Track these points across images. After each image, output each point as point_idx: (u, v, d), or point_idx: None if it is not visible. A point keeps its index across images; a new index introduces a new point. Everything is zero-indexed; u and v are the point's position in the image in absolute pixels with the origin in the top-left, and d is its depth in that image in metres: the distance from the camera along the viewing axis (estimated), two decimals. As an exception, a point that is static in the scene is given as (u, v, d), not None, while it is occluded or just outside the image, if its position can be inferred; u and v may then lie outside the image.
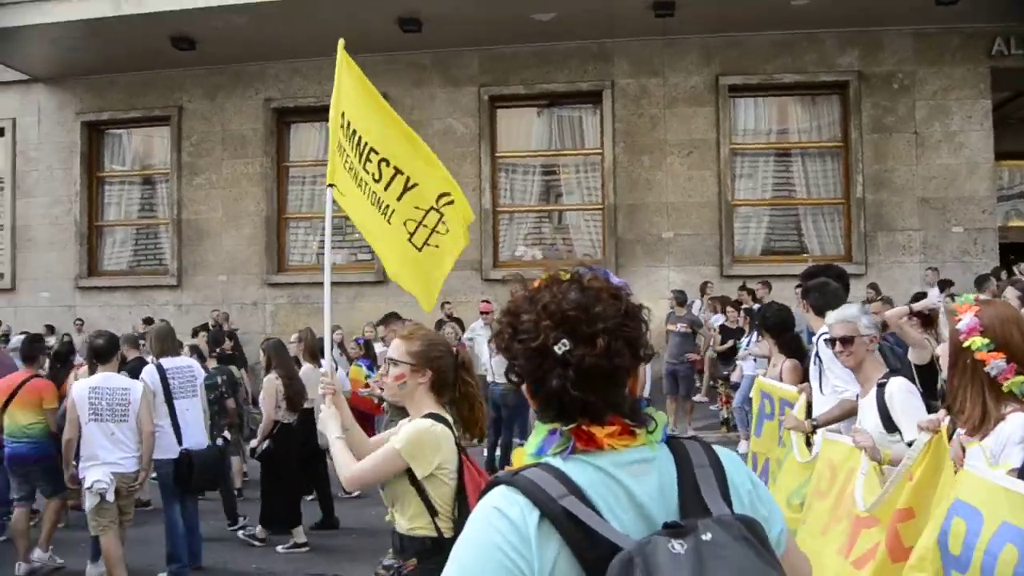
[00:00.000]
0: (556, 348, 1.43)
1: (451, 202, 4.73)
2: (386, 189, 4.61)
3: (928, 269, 13.10)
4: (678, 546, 1.27)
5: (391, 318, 7.44)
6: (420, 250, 4.76)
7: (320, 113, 15.39)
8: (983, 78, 13.70)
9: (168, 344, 7.01)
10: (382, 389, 7.01)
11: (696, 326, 11.07)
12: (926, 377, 5.74)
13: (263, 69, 15.35)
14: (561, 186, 15.14)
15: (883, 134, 13.85)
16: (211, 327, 14.18)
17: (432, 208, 4.72)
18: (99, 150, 16.74)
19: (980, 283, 9.10)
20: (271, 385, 7.30)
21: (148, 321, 14.77)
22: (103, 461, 5.90)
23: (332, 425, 3.27)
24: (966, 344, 2.84)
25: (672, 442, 1.50)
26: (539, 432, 1.50)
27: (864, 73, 13.86)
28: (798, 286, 5.45)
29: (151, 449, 6.20)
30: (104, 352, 6.17)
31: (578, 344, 1.43)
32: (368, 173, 4.53)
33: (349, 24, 13.35)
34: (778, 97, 14.53)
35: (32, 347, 7.36)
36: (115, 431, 5.96)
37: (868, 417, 3.89)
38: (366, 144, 4.53)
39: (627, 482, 1.41)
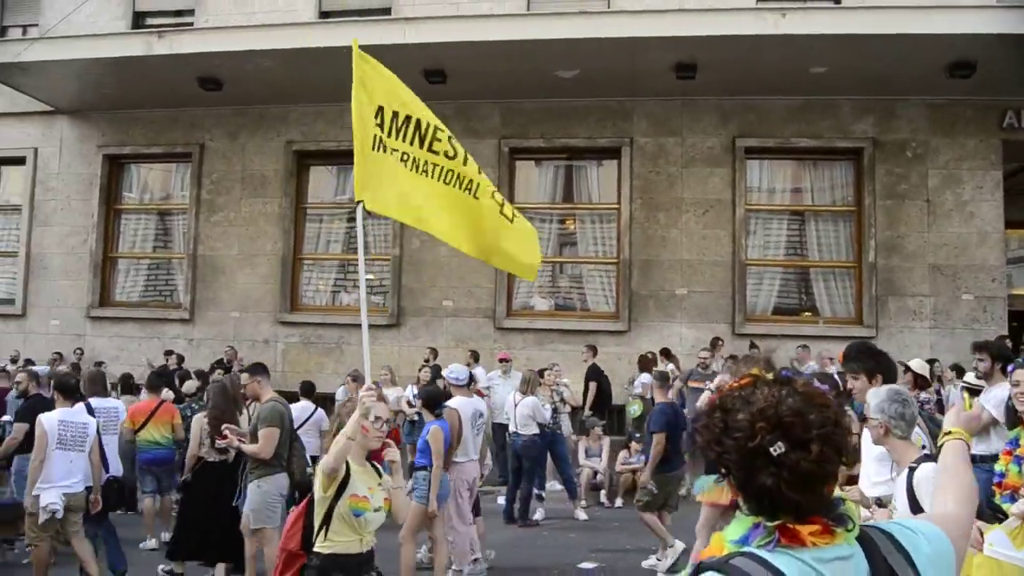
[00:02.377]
0: (772, 450, 1.52)
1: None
2: (465, 164, 4.48)
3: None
4: None
5: (257, 369, 7.46)
6: (512, 221, 4.67)
7: (340, 157, 15.62)
8: (995, 149, 13.95)
9: (98, 387, 8.23)
10: (241, 440, 7.01)
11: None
12: None
13: (286, 111, 15.56)
14: (577, 239, 15.29)
15: (896, 200, 14.07)
16: (225, 363, 14.31)
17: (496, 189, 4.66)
18: (118, 183, 16.91)
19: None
20: (197, 424, 7.68)
21: (168, 354, 14.82)
22: (57, 484, 6.72)
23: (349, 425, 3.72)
24: None
25: (860, 533, 1.60)
26: (742, 523, 1.59)
27: (878, 140, 14.10)
28: (847, 357, 5.54)
29: (99, 477, 7.22)
30: (73, 389, 7.19)
31: (793, 448, 1.53)
32: (438, 154, 4.35)
33: (375, 72, 13.69)
34: (793, 160, 14.75)
35: (158, 379, 9.60)
36: (73, 459, 6.82)
37: (899, 498, 3.96)
38: (429, 124, 4.36)
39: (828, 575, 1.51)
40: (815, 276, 14.63)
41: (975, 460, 6.23)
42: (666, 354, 13.35)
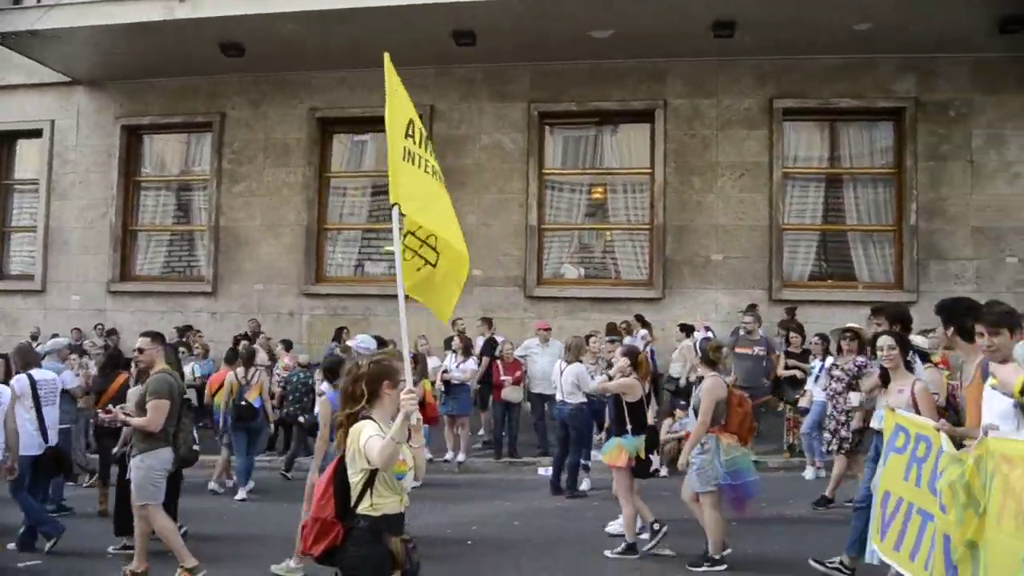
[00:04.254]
0: None
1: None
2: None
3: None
4: None
5: (158, 337, 7.07)
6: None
7: (365, 124, 15.31)
8: (1042, 108, 13.54)
9: (31, 359, 8.17)
10: (127, 415, 6.76)
11: (771, 350, 10.78)
12: (637, 412, 7.19)
13: (308, 78, 15.19)
14: (608, 205, 14.91)
15: (938, 162, 13.66)
16: (248, 336, 14.00)
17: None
18: (137, 155, 16.57)
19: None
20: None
21: (183, 329, 14.57)
22: None
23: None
24: None
25: None
26: None
27: (921, 100, 13.68)
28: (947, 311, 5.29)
29: (17, 444, 7.07)
30: None
31: None
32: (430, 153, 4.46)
33: (401, 35, 13.32)
34: (832, 121, 14.33)
35: (233, 354, 10.49)
36: None
37: None
38: (420, 128, 4.42)
39: None
40: (853, 240, 14.25)
41: None
42: (640, 320, 13.00)
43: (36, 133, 16.72)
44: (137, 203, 16.55)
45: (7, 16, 14.82)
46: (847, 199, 14.29)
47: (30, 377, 7.78)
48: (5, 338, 15.14)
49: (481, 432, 12.54)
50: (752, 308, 13.02)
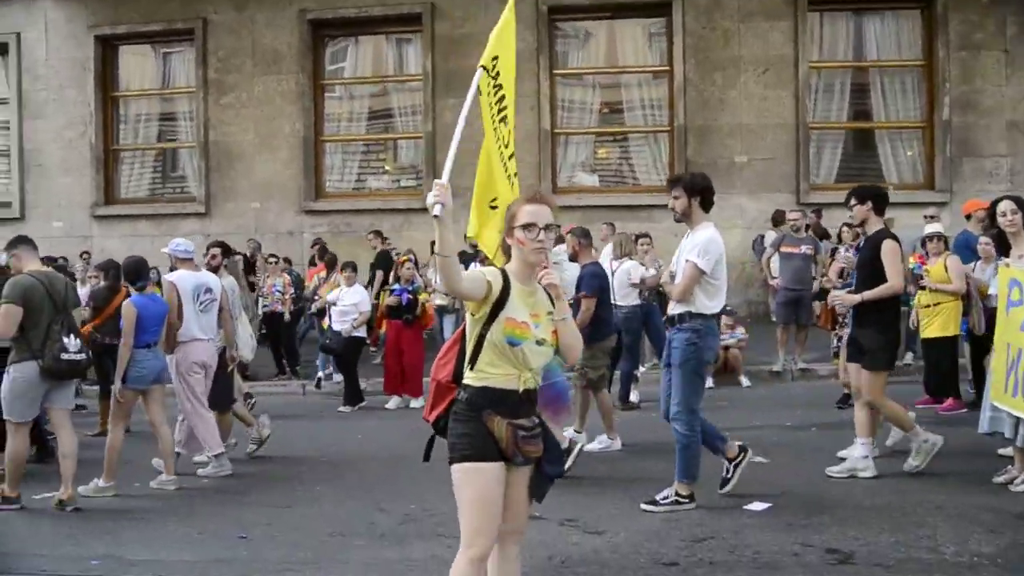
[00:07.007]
0: None
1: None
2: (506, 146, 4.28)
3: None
4: None
5: (17, 242, 6.33)
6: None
7: (361, 26, 14.34)
8: (1080, -10, 12.84)
9: None
10: None
11: (817, 249, 10.20)
12: None
13: (299, -24, 14.13)
14: (623, 106, 14.10)
15: (971, 52, 12.97)
16: (248, 258, 13.25)
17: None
18: (114, 68, 15.45)
19: None
20: None
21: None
22: None
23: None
24: None
25: None
26: None
27: (952, -15, 12.93)
28: None
29: None
30: None
31: None
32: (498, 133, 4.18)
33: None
34: (859, 11, 13.53)
35: None
36: None
37: None
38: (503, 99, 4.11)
39: None
40: (881, 139, 13.62)
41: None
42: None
43: (1, 48, 15.52)
44: (117, 120, 15.52)
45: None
46: (875, 94, 13.60)
47: None
48: (-15, 269, 14.25)
49: None
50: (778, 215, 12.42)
